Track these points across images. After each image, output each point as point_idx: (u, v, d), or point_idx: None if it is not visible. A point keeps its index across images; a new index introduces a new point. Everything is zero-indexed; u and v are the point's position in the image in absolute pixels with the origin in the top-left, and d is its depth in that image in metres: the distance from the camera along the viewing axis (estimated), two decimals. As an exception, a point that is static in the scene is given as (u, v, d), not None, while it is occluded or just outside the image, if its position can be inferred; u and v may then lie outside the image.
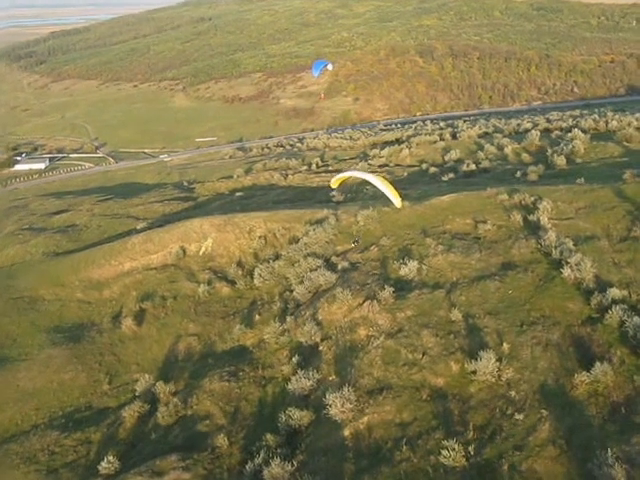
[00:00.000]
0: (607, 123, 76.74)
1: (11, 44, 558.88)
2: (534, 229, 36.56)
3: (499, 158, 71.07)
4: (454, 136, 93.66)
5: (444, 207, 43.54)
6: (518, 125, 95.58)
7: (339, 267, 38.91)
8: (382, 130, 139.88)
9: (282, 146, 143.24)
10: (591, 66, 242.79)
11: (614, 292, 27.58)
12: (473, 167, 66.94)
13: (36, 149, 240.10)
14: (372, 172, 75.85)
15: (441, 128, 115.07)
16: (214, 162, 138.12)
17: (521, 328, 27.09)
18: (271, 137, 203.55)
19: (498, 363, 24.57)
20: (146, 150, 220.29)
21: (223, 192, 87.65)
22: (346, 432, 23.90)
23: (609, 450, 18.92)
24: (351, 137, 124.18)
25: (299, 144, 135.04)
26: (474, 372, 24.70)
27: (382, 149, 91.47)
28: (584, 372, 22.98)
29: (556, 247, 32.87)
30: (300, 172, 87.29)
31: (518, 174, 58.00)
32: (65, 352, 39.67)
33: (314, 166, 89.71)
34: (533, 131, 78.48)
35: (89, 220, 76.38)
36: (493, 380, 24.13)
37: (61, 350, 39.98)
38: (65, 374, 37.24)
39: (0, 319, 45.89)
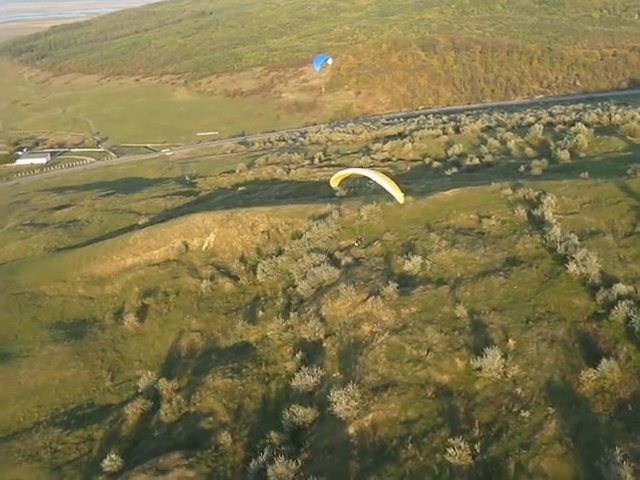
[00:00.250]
0: (610, 117, 76.37)
1: (12, 38, 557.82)
2: (538, 224, 36.28)
3: (502, 152, 70.75)
4: (457, 130, 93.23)
5: (448, 202, 43.24)
6: (521, 119, 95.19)
7: (343, 262, 38.67)
8: (384, 124, 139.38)
9: (284, 140, 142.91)
10: (593, 59, 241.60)
11: (620, 288, 27.30)
12: (476, 161, 66.63)
13: (37, 144, 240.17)
14: (374, 166, 75.73)
15: (444, 122, 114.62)
16: (216, 156, 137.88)
17: (526, 324, 26.86)
18: (273, 131, 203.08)
19: (504, 360, 24.35)
20: (148, 144, 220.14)
21: (225, 187, 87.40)
22: (351, 430, 23.74)
23: (616, 448, 18.73)
24: (353, 131, 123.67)
25: (301, 138, 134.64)
26: (479, 369, 24.49)
27: (385, 143, 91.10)
28: (590, 369, 22.75)
29: (561, 242, 32.60)
30: (302, 166, 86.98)
31: (522, 168, 57.66)
32: (67, 348, 39.51)
33: (317, 160, 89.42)
34: (536, 125, 78.08)
35: (91, 215, 76.23)
36: (499, 377, 23.92)
37: (63, 346, 39.82)
38: (67, 371, 37.08)
39: (1, 315, 45.79)
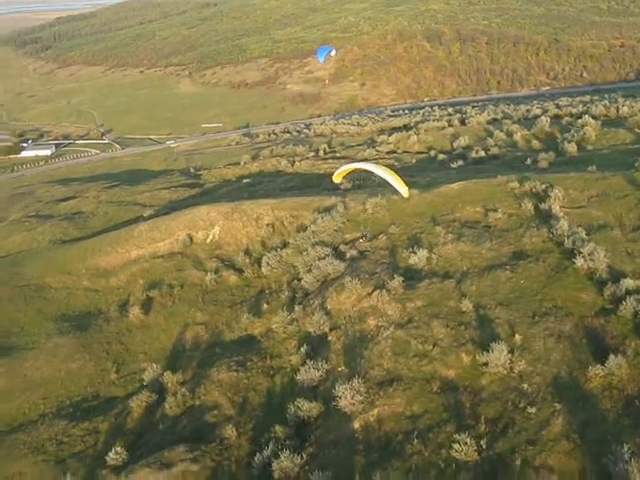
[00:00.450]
0: (618, 109, 75.72)
1: (17, 30, 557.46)
2: (545, 218, 36.03)
3: (508, 145, 70.31)
4: (463, 122, 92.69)
5: (453, 195, 42.99)
6: (527, 111, 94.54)
7: (348, 256, 38.51)
8: (389, 116, 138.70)
9: (289, 132, 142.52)
10: (601, 51, 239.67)
11: (628, 282, 27.10)
12: (482, 154, 66.25)
13: (42, 135, 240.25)
14: (379, 159, 75.41)
15: (449, 114, 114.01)
16: (220, 148, 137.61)
17: (533, 319, 26.69)
18: (278, 123, 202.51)
19: (510, 355, 24.22)
20: (152, 136, 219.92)
21: (230, 179, 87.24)
22: (356, 424, 23.66)
23: (624, 445, 18.57)
24: (358, 123, 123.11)
25: (306, 130, 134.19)
26: (486, 364, 24.36)
27: (390, 135, 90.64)
28: (598, 365, 22.62)
29: (568, 236, 32.38)
30: (307, 159, 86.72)
31: (528, 161, 57.27)
32: (72, 341, 39.53)
33: (321, 152, 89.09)
34: (543, 117, 77.60)
35: (95, 207, 76.20)
36: (505, 372, 23.79)
37: (68, 339, 39.85)
38: (72, 363, 37.11)
39: (7, 307, 45.86)
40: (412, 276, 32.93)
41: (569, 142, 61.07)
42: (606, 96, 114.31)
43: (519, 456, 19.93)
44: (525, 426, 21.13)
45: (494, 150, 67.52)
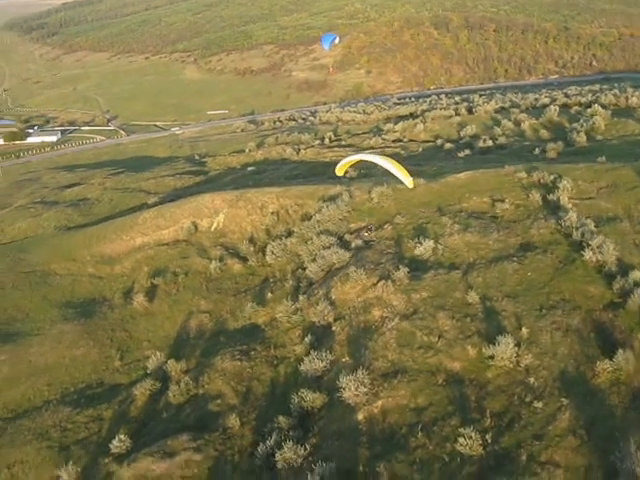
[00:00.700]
0: (627, 99, 74.95)
1: (23, 15, 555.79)
2: (554, 209, 35.61)
3: (516, 134, 69.76)
4: (470, 111, 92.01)
5: (460, 185, 42.58)
6: (535, 100, 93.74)
7: (353, 245, 38.20)
8: (396, 104, 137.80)
9: (294, 120, 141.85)
10: (610, 39, 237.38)
11: (637, 276, 26.70)
12: (490, 143, 65.75)
13: (48, 122, 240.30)
14: (386, 147, 74.94)
15: (456, 102, 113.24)
16: (225, 135, 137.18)
17: (540, 312, 26.37)
18: (283, 110, 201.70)
19: (517, 348, 23.91)
20: (157, 123, 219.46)
21: (235, 166, 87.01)
22: (360, 416, 23.49)
23: (632, 442, 18.32)
24: (364, 111, 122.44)
25: (311, 118, 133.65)
26: (492, 357, 24.06)
27: (396, 123, 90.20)
28: (606, 359, 22.28)
29: (577, 228, 31.97)
30: (313, 146, 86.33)
31: (536, 151, 56.77)
32: (77, 327, 39.54)
33: (327, 140, 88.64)
34: (551, 106, 76.92)
35: (101, 194, 76.17)
36: (511, 366, 23.51)
37: (73, 325, 39.87)
38: (77, 350, 37.11)
39: (12, 293, 45.93)
40: (418, 267, 32.62)
41: (578, 132, 60.49)
42: (615, 85, 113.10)
43: (525, 451, 19.70)
44: (531, 421, 20.89)
45: (501, 139, 67.03)
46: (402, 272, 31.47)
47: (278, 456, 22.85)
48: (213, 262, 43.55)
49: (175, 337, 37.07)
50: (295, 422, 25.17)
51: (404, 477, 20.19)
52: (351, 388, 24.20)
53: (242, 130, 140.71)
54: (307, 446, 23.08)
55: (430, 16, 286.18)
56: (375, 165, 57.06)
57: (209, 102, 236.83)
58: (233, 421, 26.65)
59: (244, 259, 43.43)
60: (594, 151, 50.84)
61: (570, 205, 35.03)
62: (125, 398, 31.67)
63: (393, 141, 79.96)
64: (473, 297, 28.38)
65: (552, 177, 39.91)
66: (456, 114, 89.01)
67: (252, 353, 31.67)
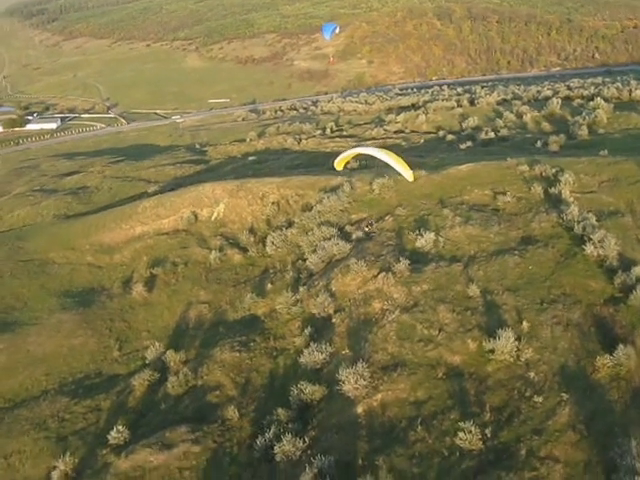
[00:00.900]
0: (630, 92, 74.44)
1: (23, 1, 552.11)
2: (555, 202, 35.41)
3: (518, 126, 69.42)
4: (472, 102, 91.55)
5: (462, 177, 42.33)
6: (538, 92, 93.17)
7: (353, 237, 38.03)
8: (398, 94, 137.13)
9: (296, 109, 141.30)
10: (613, 32, 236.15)
11: (638, 271, 26.54)
12: (492, 135, 65.48)
13: (48, 108, 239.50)
14: (387, 137, 74.64)
15: (458, 94, 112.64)
16: (226, 124, 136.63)
17: (541, 306, 26.24)
18: (284, 100, 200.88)
19: (517, 342, 23.80)
20: (158, 111, 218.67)
21: (235, 155, 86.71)
22: (359, 409, 23.39)
23: (632, 439, 18.24)
24: (366, 101, 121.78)
25: (313, 107, 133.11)
26: (492, 351, 23.97)
27: (398, 114, 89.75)
28: (606, 355, 22.18)
29: (578, 222, 31.78)
30: (314, 136, 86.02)
31: (538, 144, 56.51)
32: (75, 317, 39.40)
33: (328, 131, 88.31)
34: (554, 99, 76.44)
35: (100, 182, 75.92)
36: (511, 360, 23.40)
37: (71, 315, 39.73)
38: (75, 339, 36.98)
39: (10, 282, 45.79)
40: (418, 259, 32.43)
41: (580, 125, 60.16)
42: (618, 78, 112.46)
43: (524, 446, 19.63)
44: (531, 415, 20.82)
45: (503, 131, 66.72)
46: (403, 264, 31.29)
47: (277, 449, 22.75)
48: (213, 252, 43.36)
49: (174, 327, 36.94)
50: (294, 414, 25.05)
51: (403, 471, 20.13)
52: (351, 381, 24.09)
53: (243, 119, 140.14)
54: (306, 439, 22.98)
55: (433, 7, 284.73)
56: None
57: (210, 90, 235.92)
58: (232, 413, 26.56)
59: (244, 249, 43.23)
60: (596, 144, 50.59)
61: (572, 199, 34.82)
62: (123, 389, 31.54)
63: (395, 132, 79.61)
64: (474, 290, 28.24)
65: (554, 170, 39.68)
66: (458, 105, 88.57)
67: (251, 344, 31.55)
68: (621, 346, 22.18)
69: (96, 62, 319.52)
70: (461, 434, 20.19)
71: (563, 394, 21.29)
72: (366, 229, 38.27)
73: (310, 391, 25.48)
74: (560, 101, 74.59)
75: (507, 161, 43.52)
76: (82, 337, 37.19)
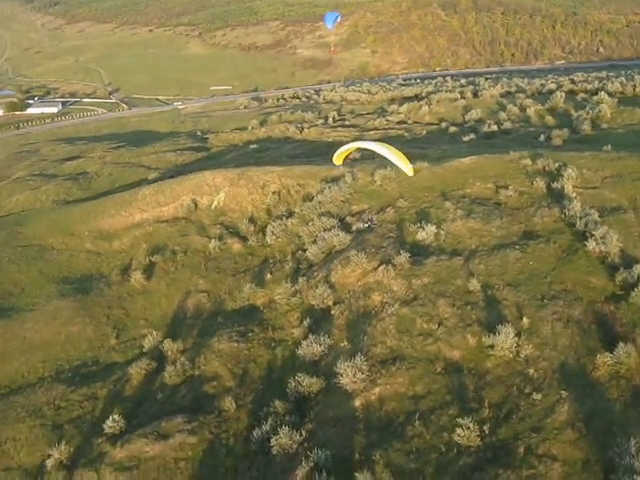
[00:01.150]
0: (635, 87, 74.04)
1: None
2: (558, 197, 35.13)
3: (521, 119, 69.05)
4: (475, 94, 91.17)
5: (464, 170, 42.01)
6: (542, 85, 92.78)
7: (354, 228, 37.79)
8: (401, 85, 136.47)
9: (298, 97, 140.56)
10: (618, 26, 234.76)
11: (641, 269, 26.36)
12: (494, 128, 65.13)
13: (49, 92, 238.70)
14: (390, 128, 74.20)
15: (462, 85, 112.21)
16: (228, 112, 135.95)
17: (542, 302, 26.04)
18: (287, 88, 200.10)
19: (517, 338, 23.65)
20: (160, 97, 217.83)
21: (237, 143, 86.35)
22: (357, 403, 23.25)
23: (631, 438, 18.09)
24: (369, 91, 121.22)
25: (315, 96, 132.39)
26: (491, 346, 23.80)
27: (401, 105, 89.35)
28: (606, 352, 22.04)
29: (581, 218, 31.53)
30: (316, 126, 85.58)
31: (542, 137, 56.16)
32: (73, 304, 39.16)
33: (330, 120, 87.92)
34: (557, 93, 76.08)
35: (100, 168, 75.54)
36: (511, 356, 23.25)
37: (69, 301, 39.48)
38: (73, 326, 36.75)
39: (8, 267, 45.52)
40: (419, 252, 32.20)
41: (584, 120, 59.82)
42: (622, 73, 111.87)
43: (523, 443, 19.50)
44: (530, 412, 20.67)
45: (507, 124, 66.35)
46: (403, 257, 31.06)
47: (273, 441, 22.64)
48: (212, 241, 43.06)
49: (172, 316, 36.72)
50: (291, 407, 24.93)
51: (400, 466, 20.00)
52: (349, 374, 23.94)
53: (245, 107, 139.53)
54: (303, 432, 22.85)
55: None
56: (378, 147, 56.64)
57: (212, 77, 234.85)
58: (229, 404, 26.41)
59: (244, 239, 42.93)
60: (600, 139, 50.28)
61: (574, 194, 34.55)
62: (120, 377, 31.34)
63: (397, 123, 79.23)
64: (474, 285, 28.03)
65: (557, 165, 39.38)
66: (461, 97, 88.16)
67: (250, 335, 31.37)
68: (621, 344, 22.03)
69: (98, 47, 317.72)
70: (459, 430, 20.06)
71: (562, 392, 21.14)
72: (366, 224, 37.81)
73: (308, 383, 25.33)
74: (564, 95, 74.24)
75: (510, 154, 43.20)
76: (80, 324, 36.96)
